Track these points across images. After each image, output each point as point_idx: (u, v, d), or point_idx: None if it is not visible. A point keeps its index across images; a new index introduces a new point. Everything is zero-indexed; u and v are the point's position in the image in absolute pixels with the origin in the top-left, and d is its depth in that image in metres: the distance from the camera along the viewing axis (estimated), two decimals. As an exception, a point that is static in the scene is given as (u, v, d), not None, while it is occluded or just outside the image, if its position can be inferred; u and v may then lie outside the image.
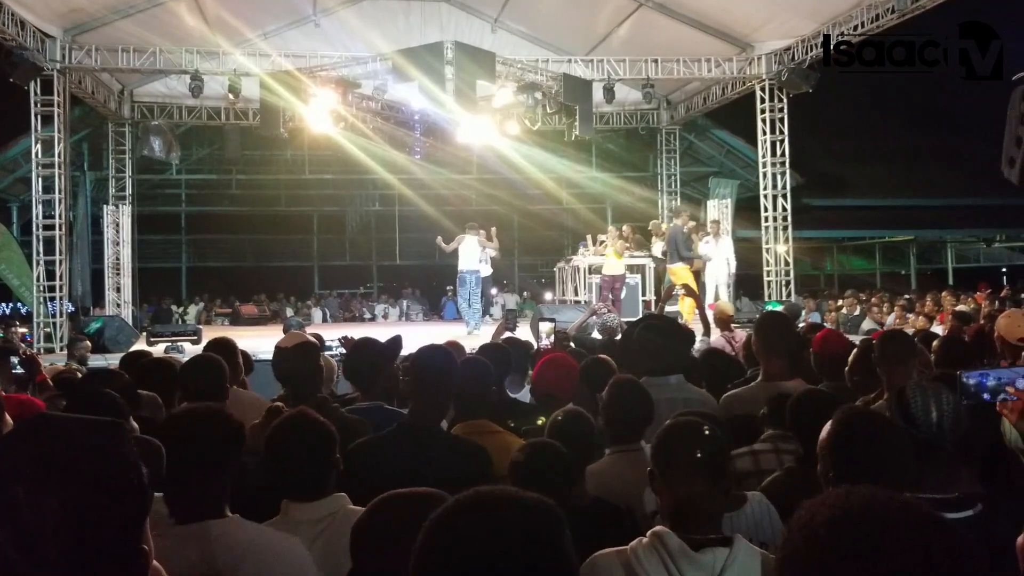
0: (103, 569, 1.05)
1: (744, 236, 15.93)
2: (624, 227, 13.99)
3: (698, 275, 12.78)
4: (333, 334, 6.42)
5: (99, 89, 14.07)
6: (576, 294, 14.21)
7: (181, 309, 19.17)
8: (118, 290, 14.72)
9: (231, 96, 13.24)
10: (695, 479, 1.87)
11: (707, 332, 6.34)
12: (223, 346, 4.02)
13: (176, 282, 21.45)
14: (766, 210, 13.82)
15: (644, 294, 13.90)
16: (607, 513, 2.48)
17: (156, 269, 20.14)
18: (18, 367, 4.33)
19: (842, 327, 12.27)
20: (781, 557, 0.92)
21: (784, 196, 13.80)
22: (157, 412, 3.47)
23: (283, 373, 3.44)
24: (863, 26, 11.03)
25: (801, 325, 6.82)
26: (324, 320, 18.55)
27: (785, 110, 13.53)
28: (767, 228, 13.80)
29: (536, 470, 2.28)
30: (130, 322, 13.41)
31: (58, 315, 11.87)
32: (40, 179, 11.99)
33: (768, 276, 13.81)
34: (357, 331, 5.75)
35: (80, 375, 5.25)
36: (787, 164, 13.72)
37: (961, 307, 12.17)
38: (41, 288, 11.81)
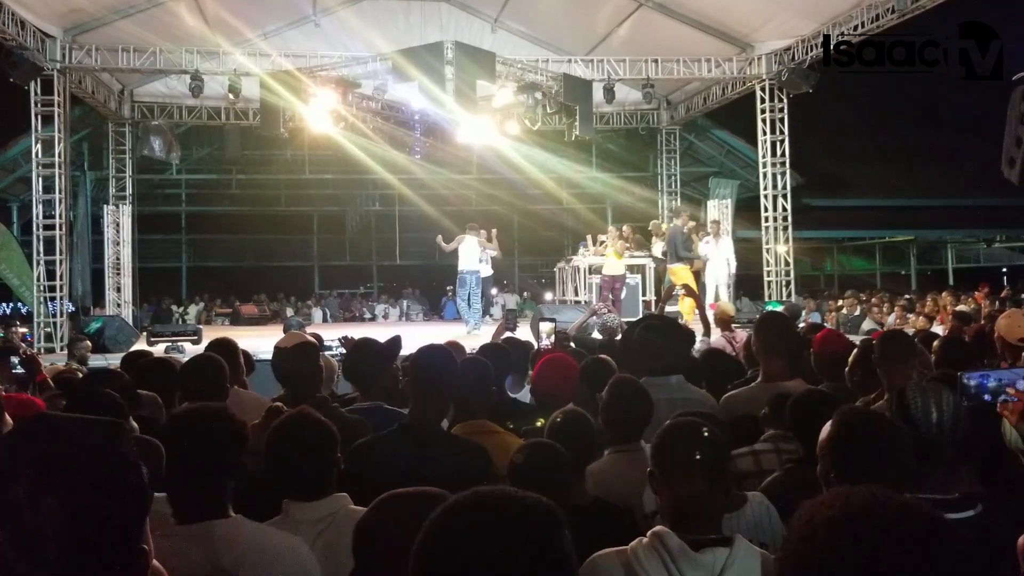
0: (103, 569, 1.05)
1: (744, 236, 15.92)
2: (624, 227, 13.97)
3: (698, 275, 12.77)
4: (333, 334, 6.43)
5: (99, 89, 14.07)
6: (576, 294, 14.20)
7: (181, 309, 19.17)
8: (118, 290, 14.71)
9: (231, 96, 13.24)
10: (695, 479, 1.87)
11: (707, 332, 6.34)
12: (224, 346, 4.01)
13: (176, 282, 21.45)
14: (766, 210, 13.81)
15: (644, 294, 13.89)
16: (607, 513, 2.48)
17: (156, 269, 20.13)
18: (18, 367, 4.35)
19: (842, 327, 12.27)
20: (781, 557, 0.93)
21: (784, 196, 13.79)
22: (157, 412, 3.46)
23: (283, 373, 3.44)
24: (863, 26, 11.02)
25: (801, 325, 6.81)
26: (324, 320, 18.56)
27: (785, 110, 13.52)
28: (767, 228, 13.79)
29: (535, 470, 2.27)
30: (130, 322, 13.41)
31: (58, 315, 11.87)
32: (40, 179, 11.99)
33: (768, 276, 13.80)
34: (357, 331, 5.75)
35: (80, 375, 5.25)
36: (787, 164, 13.71)
37: (961, 307, 12.17)
38: (41, 288, 11.82)
